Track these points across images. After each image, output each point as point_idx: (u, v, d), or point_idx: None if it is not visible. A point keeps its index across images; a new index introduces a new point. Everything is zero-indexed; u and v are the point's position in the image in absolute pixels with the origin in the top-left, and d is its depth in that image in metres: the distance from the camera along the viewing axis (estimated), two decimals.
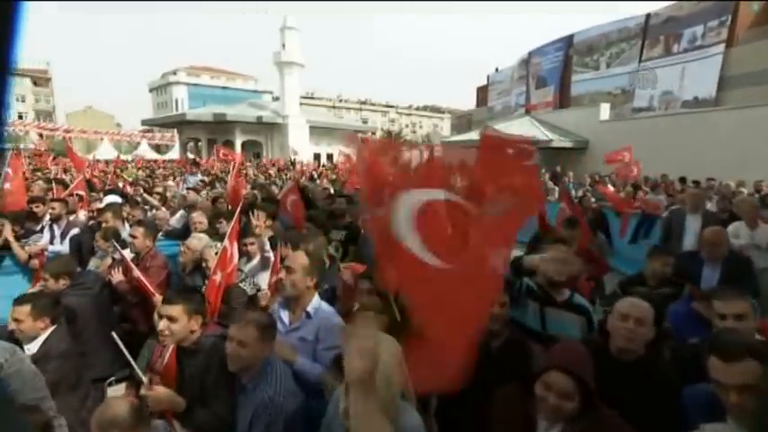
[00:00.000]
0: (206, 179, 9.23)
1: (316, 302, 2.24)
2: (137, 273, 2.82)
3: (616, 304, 1.99)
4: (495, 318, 2.12)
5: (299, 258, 2.24)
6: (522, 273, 2.47)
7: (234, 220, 2.89)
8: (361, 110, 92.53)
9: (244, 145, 34.18)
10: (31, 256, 4.25)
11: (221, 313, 2.64)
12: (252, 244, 3.30)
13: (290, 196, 5.26)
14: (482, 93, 53.93)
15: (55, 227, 4.57)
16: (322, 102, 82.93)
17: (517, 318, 2.43)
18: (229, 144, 35.10)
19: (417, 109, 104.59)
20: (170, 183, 8.67)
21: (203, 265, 2.89)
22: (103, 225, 3.91)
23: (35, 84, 60.24)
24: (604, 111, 16.85)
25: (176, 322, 1.90)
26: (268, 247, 3.26)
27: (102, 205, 4.79)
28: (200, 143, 38.42)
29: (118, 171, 13.10)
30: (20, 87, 58.63)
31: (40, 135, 53.90)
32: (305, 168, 17.10)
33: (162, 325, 1.89)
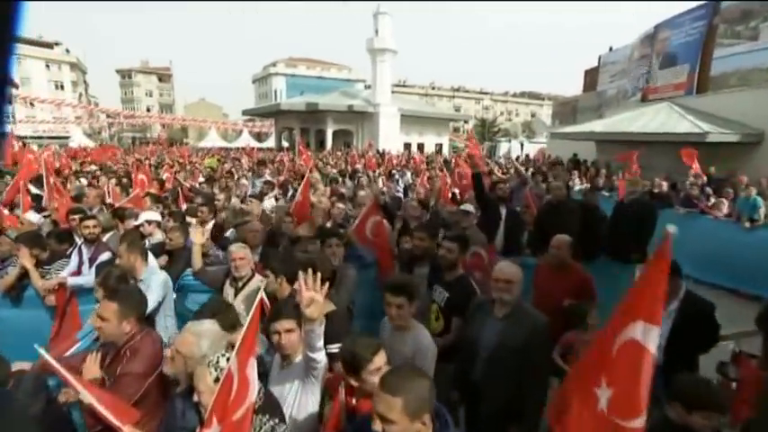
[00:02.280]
0: (275, 180, 7.63)
1: None
2: (88, 398, 1.57)
3: None
4: None
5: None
6: None
7: (255, 307, 1.49)
8: (453, 97, 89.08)
9: (335, 134, 34.09)
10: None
11: None
12: (290, 331, 1.89)
13: (370, 217, 3.83)
14: (590, 76, 47.68)
15: (84, 250, 3.67)
16: (414, 89, 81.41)
17: None
18: (321, 133, 35.33)
19: (514, 95, 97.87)
20: (244, 181, 7.80)
21: (195, 398, 1.54)
22: (116, 261, 2.84)
23: (160, 80, 67.36)
24: None
25: None
26: (320, 343, 1.75)
27: (136, 222, 3.82)
28: (293, 132, 39.36)
29: (196, 163, 12.48)
30: (149, 84, 66.16)
31: (163, 125, 60.38)
32: (394, 161, 15.60)
33: None
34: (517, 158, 22.53)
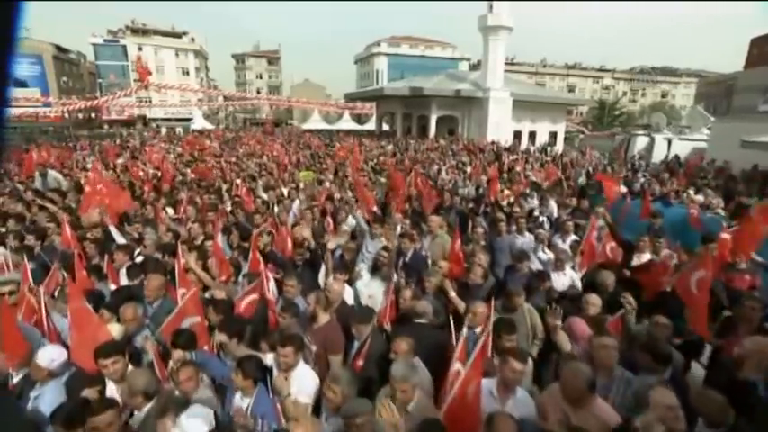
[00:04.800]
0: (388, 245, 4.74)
1: None
2: None
3: None
4: None
5: None
6: None
7: None
8: (568, 75, 80.00)
9: (439, 120, 31.70)
10: None
11: None
12: None
13: None
14: (760, 47, 38.51)
15: None
16: (523, 68, 74.55)
17: None
18: (424, 119, 33.24)
19: (641, 72, 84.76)
20: (346, 228, 5.96)
21: None
22: None
23: (269, 63, 70.43)
24: None
25: None
26: None
27: None
28: (395, 116, 37.83)
29: (291, 168, 10.67)
30: (259, 67, 69.61)
31: (270, 106, 63.31)
32: (517, 168, 12.71)
33: None
34: (665, 161, 17.94)
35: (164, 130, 42.51)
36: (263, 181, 9.21)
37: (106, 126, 50.74)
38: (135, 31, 55.73)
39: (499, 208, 7.52)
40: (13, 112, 34.57)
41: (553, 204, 8.07)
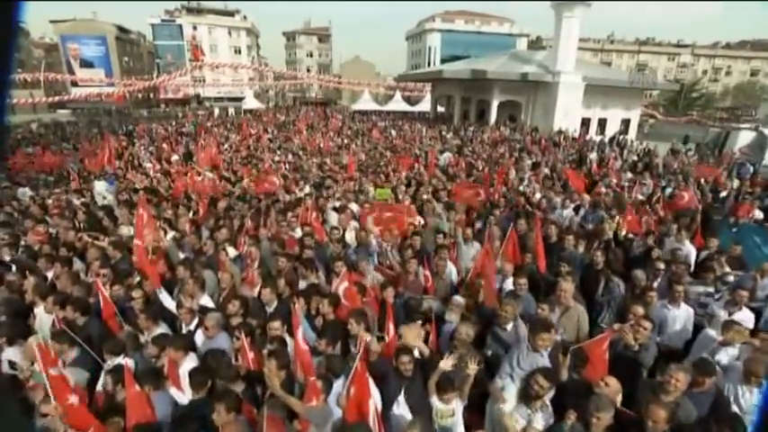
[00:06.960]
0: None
1: None
2: None
3: None
4: None
5: None
6: None
7: None
8: (639, 52, 72.77)
9: (500, 106, 29.31)
10: None
11: None
12: None
13: None
14: None
15: None
16: (587, 44, 68.44)
17: None
18: (483, 103, 30.99)
19: (726, 47, 75.52)
20: (450, 270, 4.91)
21: None
22: None
23: (320, 41, 69.11)
24: None
25: None
26: None
27: None
28: (452, 99, 35.61)
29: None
30: (310, 45, 68.50)
31: (320, 86, 62.30)
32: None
33: None
34: None
35: (216, 111, 42.72)
36: (330, 202, 7.94)
37: (163, 105, 52.02)
38: (190, 10, 56.10)
39: (625, 254, 5.87)
40: (80, 92, 35.72)
41: (690, 246, 6.12)
